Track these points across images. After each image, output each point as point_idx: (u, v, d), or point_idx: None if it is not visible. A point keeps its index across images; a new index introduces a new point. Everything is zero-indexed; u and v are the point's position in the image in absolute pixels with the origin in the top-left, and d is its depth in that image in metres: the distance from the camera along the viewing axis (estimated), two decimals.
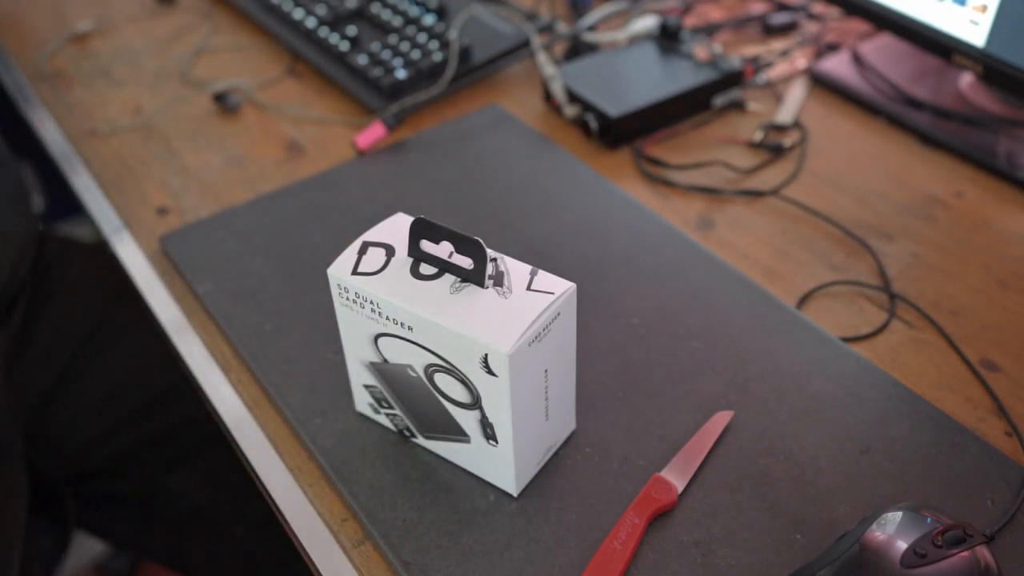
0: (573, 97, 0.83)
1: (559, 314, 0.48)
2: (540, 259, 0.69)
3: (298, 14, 0.98)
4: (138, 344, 0.90)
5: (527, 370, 0.47)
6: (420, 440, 0.56)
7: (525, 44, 0.90)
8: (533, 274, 0.48)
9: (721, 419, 0.56)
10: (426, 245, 0.49)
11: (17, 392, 0.82)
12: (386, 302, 0.48)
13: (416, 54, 0.89)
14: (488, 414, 0.49)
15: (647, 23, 0.91)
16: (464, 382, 0.48)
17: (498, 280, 0.48)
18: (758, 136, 0.81)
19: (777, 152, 0.80)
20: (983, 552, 0.44)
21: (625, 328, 0.63)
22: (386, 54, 0.89)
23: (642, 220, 0.72)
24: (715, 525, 0.51)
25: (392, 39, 0.92)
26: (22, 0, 1.10)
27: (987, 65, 0.74)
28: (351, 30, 0.93)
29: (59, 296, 0.87)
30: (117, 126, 0.89)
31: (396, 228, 0.52)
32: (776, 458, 0.54)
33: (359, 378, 0.55)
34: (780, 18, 0.97)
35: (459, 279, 0.48)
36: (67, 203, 0.99)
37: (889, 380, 0.59)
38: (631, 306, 0.65)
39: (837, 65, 0.89)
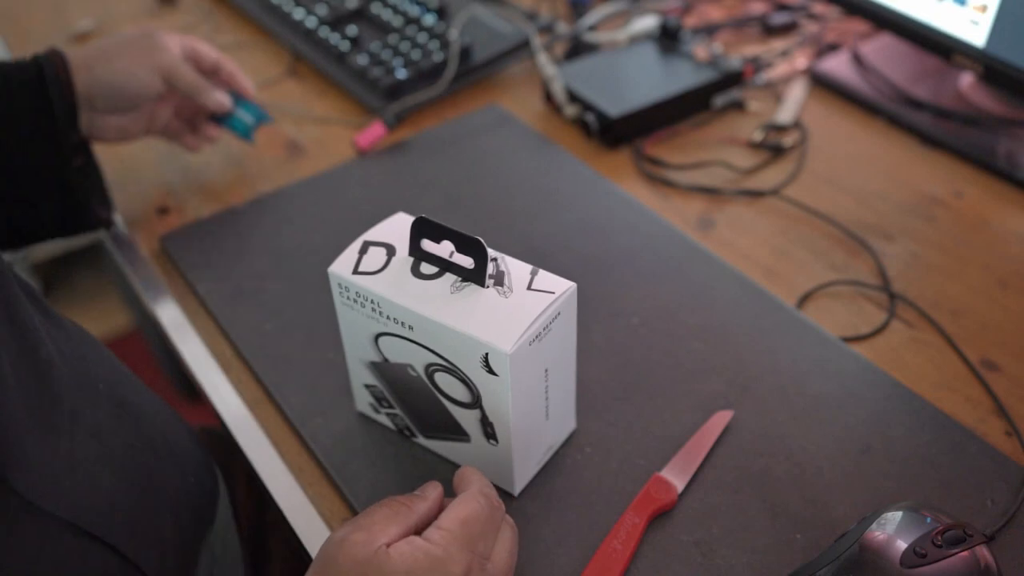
0: (573, 97, 0.83)
1: (559, 314, 0.48)
2: (540, 259, 0.69)
3: (299, 14, 0.98)
4: None
5: (527, 369, 0.47)
6: (420, 440, 0.56)
7: (525, 44, 0.90)
8: (534, 274, 0.48)
9: (721, 419, 0.56)
10: (427, 244, 0.49)
11: None
12: (387, 301, 0.48)
13: (416, 54, 0.89)
14: (488, 413, 0.49)
15: (647, 23, 0.91)
16: (464, 381, 0.48)
17: (499, 280, 0.48)
18: (758, 136, 0.81)
19: (777, 152, 0.80)
20: (983, 552, 0.44)
21: (625, 328, 0.63)
22: (386, 54, 0.89)
23: (642, 220, 0.72)
24: (715, 525, 0.51)
25: (392, 39, 0.92)
26: (22, 0, 1.10)
27: (987, 65, 0.75)
28: (351, 30, 0.94)
29: None
30: None
31: (397, 227, 0.52)
32: (776, 458, 0.54)
33: (359, 378, 0.55)
34: (780, 18, 0.97)
35: (460, 279, 0.48)
36: None
37: (889, 380, 0.59)
38: (631, 306, 0.65)
39: (837, 65, 0.89)
